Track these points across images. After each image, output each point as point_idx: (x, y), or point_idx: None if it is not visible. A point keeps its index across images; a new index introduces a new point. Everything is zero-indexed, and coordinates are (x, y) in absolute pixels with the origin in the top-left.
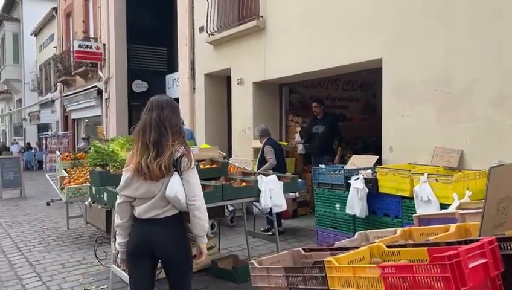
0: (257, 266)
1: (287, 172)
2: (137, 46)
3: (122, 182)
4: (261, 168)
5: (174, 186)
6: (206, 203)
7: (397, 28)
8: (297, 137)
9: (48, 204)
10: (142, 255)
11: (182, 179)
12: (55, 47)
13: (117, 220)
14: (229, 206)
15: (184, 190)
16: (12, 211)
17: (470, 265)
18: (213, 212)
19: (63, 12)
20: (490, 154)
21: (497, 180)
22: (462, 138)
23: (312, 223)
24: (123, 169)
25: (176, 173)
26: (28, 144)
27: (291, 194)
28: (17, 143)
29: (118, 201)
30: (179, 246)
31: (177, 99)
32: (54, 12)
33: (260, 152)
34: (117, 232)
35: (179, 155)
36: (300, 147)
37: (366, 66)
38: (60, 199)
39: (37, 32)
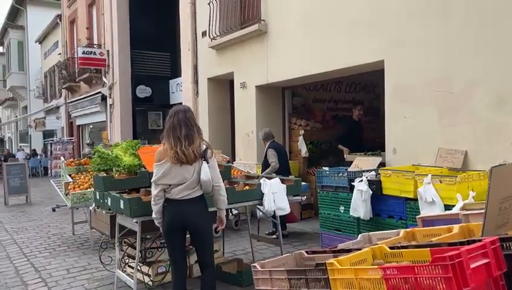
0: (260, 269)
1: (291, 175)
2: (140, 51)
3: (159, 174)
4: (264, 172)
5: (207, 173)
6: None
7: (398, 29)
8: (301, 140)
9: (54, 210)
10: (176, 229)
11: (208, 166)
12: (60, 54)
13: (155, 207)
14: (233, 209)
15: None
16: (18, 217)
17: (472, 265)
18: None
19: (67, 19)
20: (494, 154)
21: (498, 180)
22: (466, 139)
23: (316, 226)
24: (155, 164)
25: (204, 161)
26: (34, 150)
27: (297, 197)
28: (23, 150)
29: (156, 191)
30: (203, 219)
31: (180, 104)
32: (58, 20)
33: (264, 155)
34: (155, 217)
35: (204, 147)
36: (303, 150)
37: (368, 68)
38: (65, 205)
39: (41, 40)
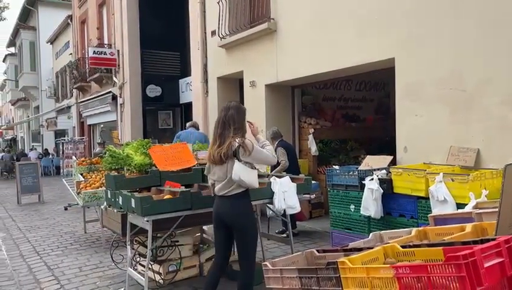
0: (271, 267)
1: (301, 173)
2: (150, 51)
3: (205, 172)
4: (274, 170)
5: (236, 172)
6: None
7: (409, 27)
8: (311, 139)
9: (66, 209)
10: (217, 224)
11: (244, 163)
12: (71, 54)
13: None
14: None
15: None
16: (30, 215)
17: (486, 264)
18: None
19: (77, 20)
20: (507, 152)
21: None
22: (478, 137)
23: (327, 225)
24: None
25: (237, 160)
26: (46, 150)
27: (305, 195)
28: (35, 149)
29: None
30: (241, 217)
31: (190, 103)
32: (69, 20)
33: None
34: None
35: (236, 146)
36: (313, 148)
37: (379, 66)
38: (77, 204)
39: (53, 40)
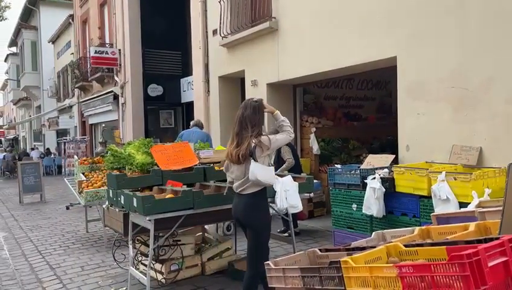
0: (273, 267)
1: (303, 172)
2: (151, 50)
3: (224, 169)
4: (280, 169)
5: (253, 172)
6: (221, 205)
7: (411, 25)
8: (312, 137)
9: (67, 208)
10: (236, 222)
11: (261, 162)
12: (72, 53)
13: None
14: None
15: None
16: (32, 215)
17: (490, 264)
18: (229, 214)
19: (79, 19)
20: (510, 151)
21: None
22: (480, 136)
23: (328, 224)
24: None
25: (253, 160)
26: (48, 149)
27: (305, 194)
28: (37, 149)
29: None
30: (253, 215)
31: (191, 103)
32: (70, 20)
33: (276, 153)
34: None
35: (253, 146)
36: (315, 147)
37: (380, 65)
38: (79, 203)
39: (54, 40)
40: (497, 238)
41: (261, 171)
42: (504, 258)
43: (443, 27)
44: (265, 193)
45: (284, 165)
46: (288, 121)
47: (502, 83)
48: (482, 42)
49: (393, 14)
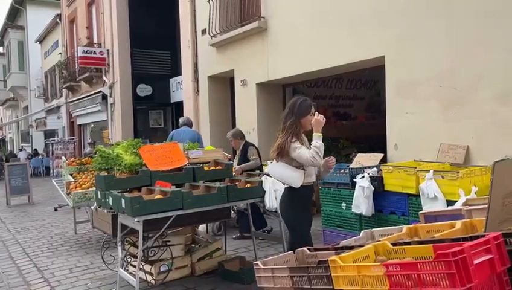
0: (262, 267)
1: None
2: (140, 50)
3: None
4: (245, 164)
5: (273, 171)
6: (211, 205)
7: (400, 25)
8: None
9: (56, 209)
10: None
11: (285, 162)
12: (60, 53)
13: None
14: (234, 207)
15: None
16: (20, 217)
17: (475, 261)
18: (219, 214)
19: (66, 19)
20: (496, 149)
21: (502, 175)
22: (468, 134)
23: (318, 223)
24: None
25: (275, 160)
26: (35, 150)
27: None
28: (25, 150)
29: None
30: (285, 210)
31: (181, 103)
32: (57, 19)
33: (241, 153)
34: None
35: (278, 146)
36: None
37: (369, 64)
38: (67, 204)
39: (41, 40)
40: (482, 236)
41: (277, 170)
42: (489, 256)
43: (431, 27)
44: (302, 192)
45: (250, 163)
46: (320, 149)
47: (489, 82)
48: (470, 42)
49: (382, 14)
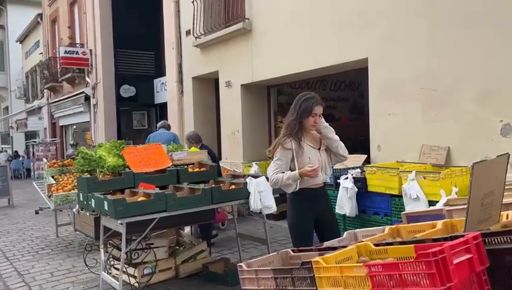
0: (246, 268)
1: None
2: (124, 50)
3: None
4: None
5: (268, 172)
6: (195, 207)
7: (382, 27)
8: None
9: (37, 212)
10: None
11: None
12: (41, 53)
13: None
14: (219, 209)
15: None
16: (0, 220)
17: (455, 261)
18: (203, 216)
19: (48, 18)
20: (476, 150)
21: (480, 176)
22: (449, 135)
23: None
24: None
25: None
26: (16, 152)
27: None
28: (5, 151)
29: None
30: (288, 214)
31: (165, 104)
32: (39, 19)
33: None
34: None
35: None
36: None
37: (353, 66)
38: (49, 207)
39: (22, 39)
40: (462, 236)
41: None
42: (468, 256)
43: (412, 29)
44: (302, 195)
45: None
46: (282, 183)
47: (469, 83)
48: (450, 44)
49: (365, 16)
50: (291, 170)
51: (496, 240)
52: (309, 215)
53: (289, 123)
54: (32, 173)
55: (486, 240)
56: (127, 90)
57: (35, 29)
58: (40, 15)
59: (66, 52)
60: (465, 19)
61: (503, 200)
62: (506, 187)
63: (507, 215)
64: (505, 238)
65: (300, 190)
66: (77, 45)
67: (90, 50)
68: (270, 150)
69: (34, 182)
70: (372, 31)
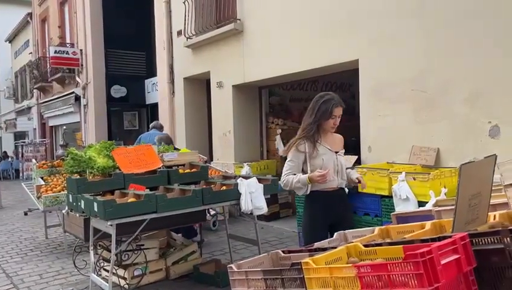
0: (236, 269)
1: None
2: (115, 50)
3: None
4: None
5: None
6: (185, 208)
7: (373, 29)
8: (278, 139)
9: (26, 214)
10: None
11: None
12: (31, 53)
13: None
14: (210, 210)
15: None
16: None
17: (443, 261)
18: (194, 217)
19: (38, 18)
20: (465, 151)
21: (468, 177)
22: (438, 137)
23: (295, 225)
24: None
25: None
26: (5, 152)
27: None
28: None
29: None
30: (302, 214)
31: (156, 104)
32: (28, 18)
33: None
34: None
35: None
36: (281, 149)
37: (344, 68)
38: (38, 208)
39: (11, 39)
40: (449, 237)
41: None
42: (456, 256)
43: (403, 30)
44: (314, 198)
45: None
46: (292, 186)
47: (457, 85)
48: (440, 46)
49: (356, 18)
50: (304, 172)
51: (483, 241)
52: (320, 218)
53: (306, 126)
54: (21, 174)
55: (474, 240)
56: (118, 91)
57: (25, 28)
58: (30, 14)
59: (56, 52)
60: (455, 20)
61: (491, 201)
62: (493, 188)
63: (494, 216)
64: (491, 239)
65: (313, 192)
66: (67, 45)
67: (81, 50)
68: (284, 150)
69: (23, 183)
70: (362, 32)
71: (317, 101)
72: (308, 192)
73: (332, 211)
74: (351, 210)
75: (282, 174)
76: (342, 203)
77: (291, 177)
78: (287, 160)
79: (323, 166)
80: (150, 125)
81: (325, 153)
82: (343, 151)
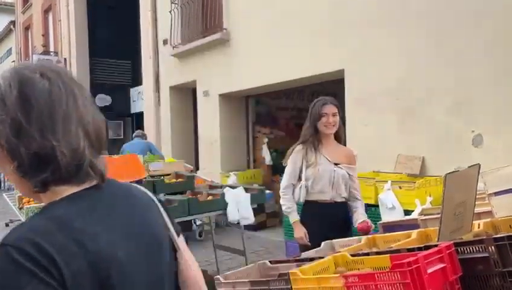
0: (223, 281)
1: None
2: (99, 59)
3: None
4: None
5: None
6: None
7: (358, 39)
8: (265, 148)
9: (7, 225)
10: None
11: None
12: (14, 61)
13: None
14: (197, 220)
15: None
16: None
17: (429, 270)
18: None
19: (21, 26)
20: (450, 160)
21: (452, 186)
22: (423, 145)
23: (282, 234)
24: None
25: None
26: None
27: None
28: None
29: None
30: None
31: (141, 113)
32: (11, 26)
33: None
34: None
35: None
36: (267, 158)
37: (330, 78)
38: (20, 220)
39: None
40: (435, 246)
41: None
42: (442, 265)
43: (388, 41)
44: (307, 207)
45: None
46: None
47: (440, 94)
48: (424, 55)
49: (342, 28)
50: (300, 178)
51: (468, 249)
52: (312, 228)
53: (303, 131)
54: (2, 185)
55: (459, 249)
56: (103, 100)
57: (8, 36)
58: (13, 22)
59: (39, 60)
60: (436, 30)
61: (475, 210)
62: (477, 197)
63: (478, 224)
64: (476, 248)
65: (307, 201)
66: (51, 53)
67: (65, 58)
68: (284, 160)
69: (4, 194)
70: (347, 43)
71: (310, 107)
72: (300, 200)
73: (326, 224)
74: (347, 229)
75: (282, 181)
76: (335, 218)
77: (286, 201)
78: (286, 168)
79: (318, 176)
80: (133, 135)
81: (323, 163)
82: (352, 167)
